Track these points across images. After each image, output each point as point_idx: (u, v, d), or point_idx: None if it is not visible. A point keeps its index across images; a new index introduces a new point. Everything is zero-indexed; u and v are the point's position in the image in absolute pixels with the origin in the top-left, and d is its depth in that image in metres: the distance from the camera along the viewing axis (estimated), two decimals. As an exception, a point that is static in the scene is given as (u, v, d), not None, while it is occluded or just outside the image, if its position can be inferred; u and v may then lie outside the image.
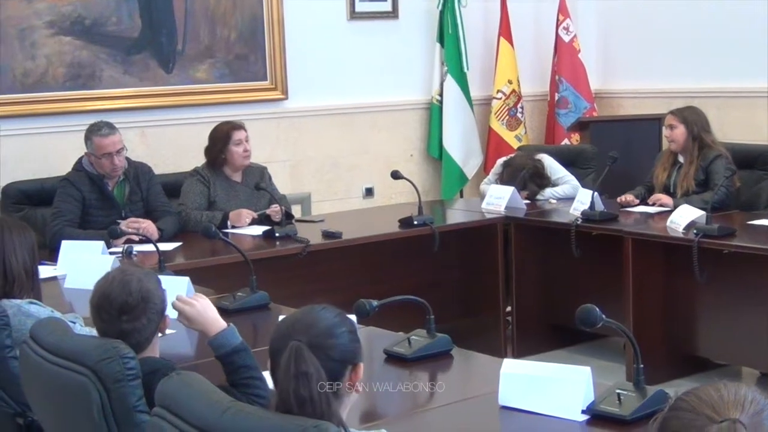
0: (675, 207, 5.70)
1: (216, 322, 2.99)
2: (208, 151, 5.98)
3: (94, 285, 2.93)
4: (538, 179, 6.57)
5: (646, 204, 6.12)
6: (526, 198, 6.48)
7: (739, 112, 7.17)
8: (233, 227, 5.75)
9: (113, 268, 4.46)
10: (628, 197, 6.17)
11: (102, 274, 4.37)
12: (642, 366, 2.87)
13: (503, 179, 6.58)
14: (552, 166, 6.63)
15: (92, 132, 5.53)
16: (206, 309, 3.02)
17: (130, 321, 2.81)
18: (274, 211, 5.80)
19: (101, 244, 4.95)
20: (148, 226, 5.39)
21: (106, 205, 5.56)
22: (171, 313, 3.00)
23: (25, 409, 3.15)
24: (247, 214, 5.80)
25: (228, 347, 2.90)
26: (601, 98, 8.14)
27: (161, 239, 5.26)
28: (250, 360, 2.89)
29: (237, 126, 5.96)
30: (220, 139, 5.91)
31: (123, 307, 2.80)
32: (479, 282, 6.26)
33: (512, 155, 6.91)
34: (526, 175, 6.52)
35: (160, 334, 2.91)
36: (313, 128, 7.19)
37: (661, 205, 5.96)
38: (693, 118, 6.10)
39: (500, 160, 6.84)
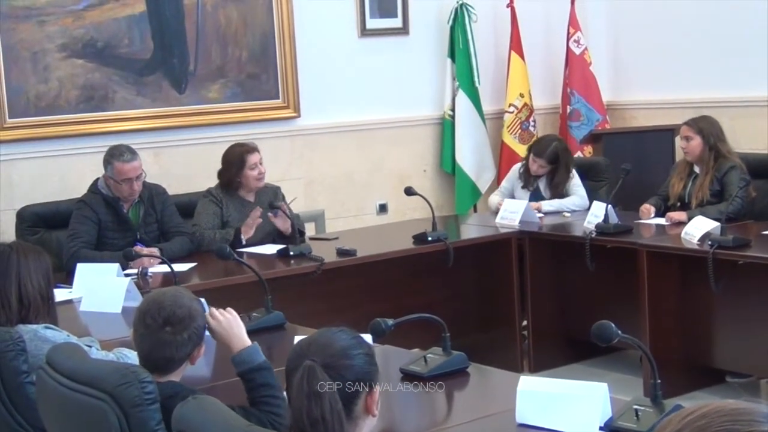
0: (690, 218, 5.68)
1: (240, 338, 3.03)
2: (223, 174, 5.96)
3: (145, 296, 2.97)
4: (568, 154, 6.63)
5: (666, 212, 6.12)
6: (537, 208, 6.47)
7: (752, 121, 7.15)
8: (247, 242, 5.75)
9: (128, 289, 4.52)
10: (648, 206, 6.14)
11: (117, 297, 4.45)
12: (659, 381, 2.86)
13: (534, 151, 6.60)
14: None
15: (113, 156, 5.52)
16: (232, 324, 3.06)
17: (172, 333, 2.82)
18: (278, 211, 5.80)
19: (116, 266, 4.95)
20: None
21: (121, 227, 5.58)
22: None
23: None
24: (252, 221, 5.76)
25: (250, 364, 2.93)
26: (613, 110, 8.13)
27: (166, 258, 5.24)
28: (271, 379, 2.91)
29: (251, 149, 5.95)
30: (235, 163, 5.91)
31: (170, 317, 2.82)
32: (494, 297, 6.25)
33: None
34: (559, 147, 6.56)
35: (189, 363, 2.92)
36: (326, 146, 7.21)
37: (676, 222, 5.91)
38: (708, 129, 6.08)
39: (516, 165, 6.87)
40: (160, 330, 2.81)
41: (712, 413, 1.45)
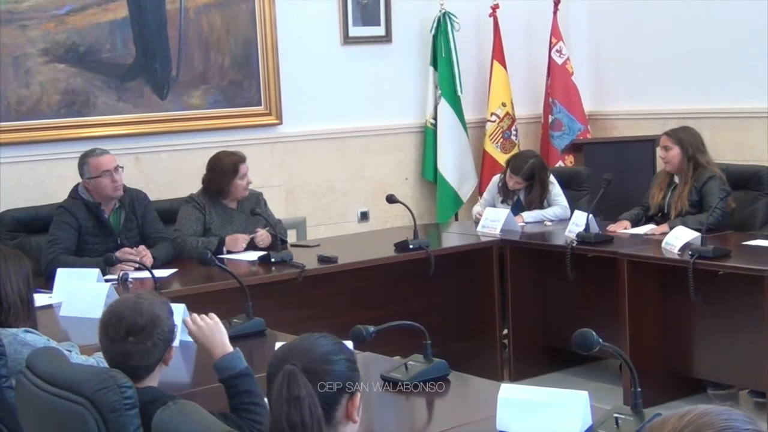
0: (671, 228, 5.70)
1: (222, 345, 3.02)
2: (212, 182, 5.94)
3: (107, 306, 2.95)
4: (544, 171, 6.62)
5: (648, 222, 6.14)
6: (520, 219, 6.50)
7: (732, 132, 7.19)
8: (229, 252, 5.75)
9: (109, 295, 4.50)
10: (623, 224, 6.15)
11: (97, 302, 4.43)
12: (639, 390, 2.86)
13: (510, 168, 6.61)
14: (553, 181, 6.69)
15: (87, 156, 5.58)
16: (213, 330, 3.05)
17: (135, 342, 2.80)
18: (260, 236, 5.82)
19: (96, 271, 4.93)
20: (143, 252, 5.40)
21: (102, 232, 5.56)
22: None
23: (21, 440, 3.13)
24: (243, 239, 5.81)
25: (232, 371, 2.92)
26: (594, 120, 8.16)
27: (155, 266, 5.26)
28: (253, 386, 2.90)
29: (242, 159, 5.94)
30: (227, 173, 5.89)
31: (131, 328, 2.80)
32: (475, 305, 6.25)
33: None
34: (535, 163, 6.56)
35: (163, 366, 2.90)
36: (308, 153, 7.20)
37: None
38: (688, 139, 6.10)
39: (496, 176, 6.88)
40: (124, 341, 2.80)
41: (710, 412, 1.53)
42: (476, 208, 6.83)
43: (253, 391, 2.88)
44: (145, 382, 2.83)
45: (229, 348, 3.01)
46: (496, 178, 6.84)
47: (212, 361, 3.00)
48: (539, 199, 6.60)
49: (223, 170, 5.91)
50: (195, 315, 3.13)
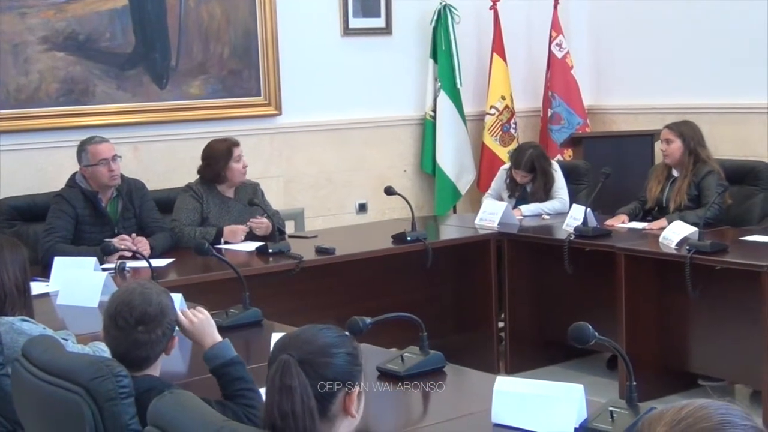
0: (669, 222, 5.70)
1: (212, 336, 3.04)
2: (207, 169, 5.94)
3: (110, 296, 2.94)
4: (544, 161, 6.63)
5: (646, 219, 6.14)
6: (517, 212, 6.50)
7: (730, 127, 7.18)
8: (227, 243, 5.75)
9: (106, 284, 4.49)
10: (621, 218, 6.15)
11: (94, 291, 4.43)
12: (635, 383, 2.87)
13: (513, 163, 6.65)
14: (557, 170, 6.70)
15: (85, 143, 5.58)
16: (204, 324, 3.07)
17: (145, 332, 2.80)
18: (255, 223, 5.82)
19: (93, 260, 4.93)
20: (141, 244, 5.40)
21: (99, 221, 5.56)
22: None
23: (17, 428, 3.13)
24: (242, 231, 5.81)
25: (223, 359, 2.94)
26: (593, 114, 8.16)
27: (152, 256, 5.26)
28: (244, 373, 2.91)
29: (235, 142, 5.96)
30: (222, 157, 5.90)
31: (142, 317, 2.80)
32: (472, 298, 6.26)
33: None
34: (533, 154, 6.57)
35: (164, 355, 2.91)
36: (307, 144, 7.20)
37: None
38: (690, 133, 6.11)
39: (503, 168, 6.89)
40: (134, 331, 2.79)
41: (708, 406, 1.56)
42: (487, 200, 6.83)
43: (246, 378, 2.90)
44: (147, 371, 2.83)
45: (219, 338, 3.04)
46: (504, 168, 6.85)
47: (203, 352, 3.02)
48: (543, 189, 6.60)
49: (217, 156, 5.92)
50: (186, 310, 3.14)
